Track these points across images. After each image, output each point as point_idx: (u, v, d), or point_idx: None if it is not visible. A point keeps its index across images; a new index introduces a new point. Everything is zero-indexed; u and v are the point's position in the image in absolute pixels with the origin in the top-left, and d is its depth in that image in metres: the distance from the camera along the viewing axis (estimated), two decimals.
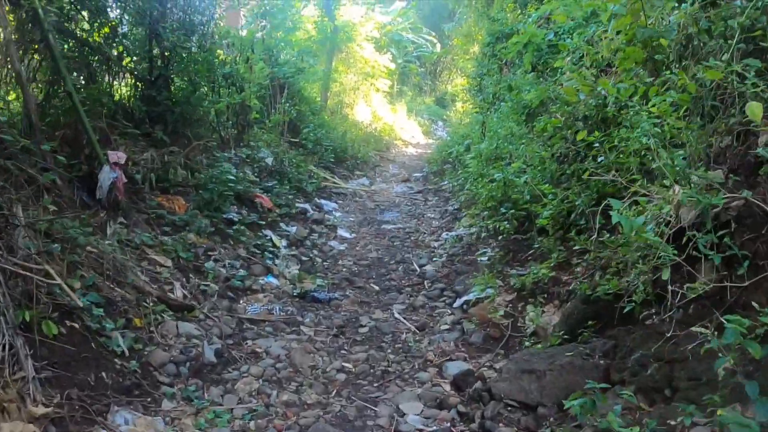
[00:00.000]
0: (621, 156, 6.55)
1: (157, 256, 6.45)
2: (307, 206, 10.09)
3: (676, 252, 3.88)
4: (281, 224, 8.98)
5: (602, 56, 7.90)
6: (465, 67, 21.90)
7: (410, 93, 31.44)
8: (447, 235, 9.39)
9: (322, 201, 11.16)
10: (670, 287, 3.99)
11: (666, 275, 3.94)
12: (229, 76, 10.72)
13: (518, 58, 11.41)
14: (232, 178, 8.56)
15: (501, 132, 11.13)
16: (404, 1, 34.12)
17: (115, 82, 9.24)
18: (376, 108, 22.26)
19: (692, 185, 4.18)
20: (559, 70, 9.77)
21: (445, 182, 13.11)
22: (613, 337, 4.85)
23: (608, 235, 6.51)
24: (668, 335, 4.32)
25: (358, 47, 21.87)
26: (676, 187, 3.97)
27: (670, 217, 4.03)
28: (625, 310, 4.69)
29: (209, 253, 7.06)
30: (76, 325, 4.81)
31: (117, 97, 9.16)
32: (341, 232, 9.60)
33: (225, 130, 10.59)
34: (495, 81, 12.98)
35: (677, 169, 4.32)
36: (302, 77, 14.99)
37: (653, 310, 4.77)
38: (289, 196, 9.99)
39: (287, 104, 13.96)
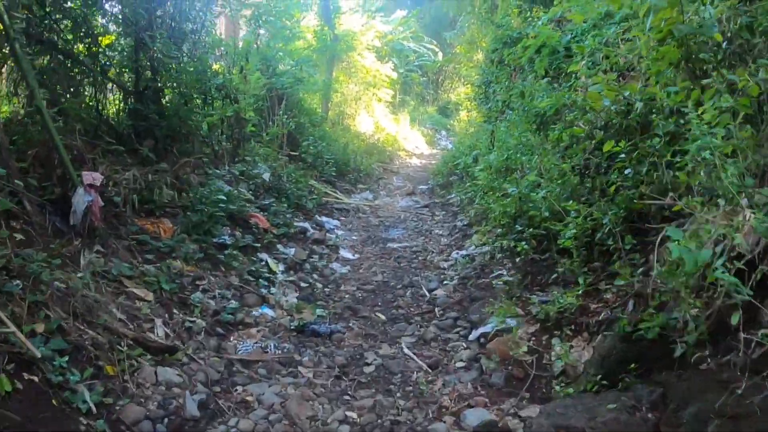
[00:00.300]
0: (651, 169, 5.87)
1: (137, 288, 5.75)
2: (306, 225, 9.39)
3: (751, 293, 3.17)
4: (279, 246, 8.28)
5: (622, 59, 7.22)
6: (469, 75, 21.27)
7: (413, 102, 30.81)
8: (457, 254, 8.68)
9: (323, 218, 10.46)
10: (742, 335, 3.27)
11: (736, 320, 3.23)
12: (222, 87, 10.05)
13: (528, 64, 10.73)
14: (223, 197, 7.88)
15: (511, 142, 10.45)
16: (405, 9, 33.57)
17: (101, 95, 8.61)
18: (378, 118, 21.61)
19: (758, 207, 3.47)
20: (574, 76, 9.10)
21: (453, 195, 12.40)
22: (661, 383, 4.12)
23: (639, 257, 5.83)
24: (731, 385, 3.62)
25: (359, 56, 21.25)
26: (747, 212, 3.26)
27: (737, 246, 3.32)
28: (676, 354, 3.98)
29: (197, 282, 6.36)
30: (36, 378, 4.12)
31: (104, 112, 8.54)
32: (344, 252, 8.89)
33: (219, 144, 9.91)
34: (504, 88, 12.27)
35: (738, 186, 3.62)
36: (301, 88, 14.33)
37: (707, 352, 4.07)
38: (287, 215, 9.29)
39: (285, 116, 13.31)
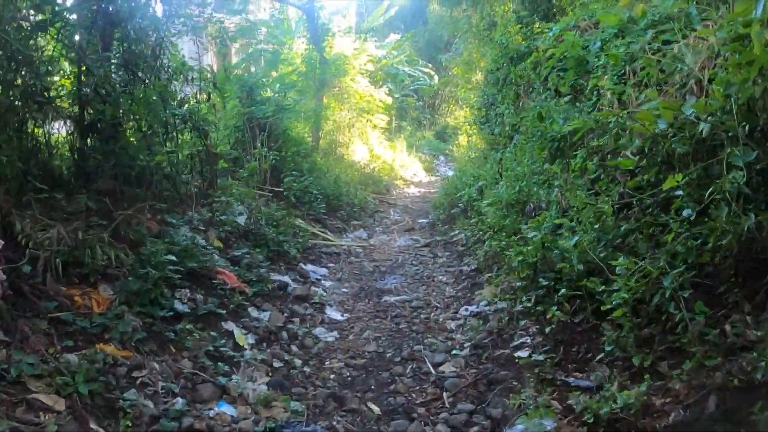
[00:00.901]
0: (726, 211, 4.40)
1: (44, 394, 4.21)
2: (287, 278, 7.85)
3: None
4: (250, 309, 6.74)
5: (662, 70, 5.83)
6: (467, 97, 19.91)
7: (409, 128, 29.45)
8: (467, 310, 7.14)
9: (309, 267, 8.93)
10: None
11: None
12: (188, 118, 8.59)
13: (541, 82, 9.29)
14: (181, 253, 6.37)
15: (522, 171, 9.02)
16: (398, 33, 32.41)
17: (40, 131, 7.16)
18: (373, 146, 20.18)
19: None
20: (596, 92, 7.67)
21: (457, 232, 10.89)
22: None
23: (714, 332, 4.33)
24: None
25: (352, 81, 19.88)
26: None
27: None
28: None
29: (134, 373, 4.82)
30: None
31: (42, 151, 7.09)
32: (331, 312, 7.35)
33: (184, 185, 8.43)
34: (511, 110, 10.83)
35: None
36: (287, 116, 12.89)
37: None
38: (264, 268, 7.77)
39: (268, 148, 11.87)
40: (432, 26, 36.80)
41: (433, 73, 32.17)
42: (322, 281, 8.53)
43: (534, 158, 9.16)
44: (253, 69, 23.69)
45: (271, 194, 11.40)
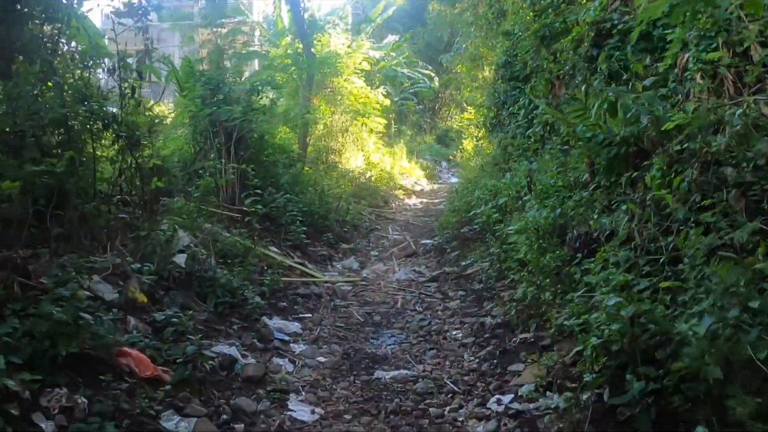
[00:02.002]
0: None
1: None
2: (234, 350, 5.22)
3: None
4: (166, 415, 4.15)
5: None
6: (472, 97, 17.32)
7: (409, 132, 26.86)
8: (499, 403, 4.55)
9: (275, 321, 6.32)
10: None
11: None
12: (109, 120, 6.02)
13: (586, 62, 6.68)
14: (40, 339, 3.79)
15: (562, 184, 6.50)
16: (396, 35, 29.86)
17: None
18: (370, 152, 17.58)
19: None
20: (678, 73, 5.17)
21: (470, 262, 8.29)
22: None
23: None
24: None
25: (346, 82, 17.32)
26: None
27: None
28: None
29: None
30: None
31: None
32: (296, 406, 4.72)
33: (100, 217, 5.84)
34: (543, 105, 8.25)
35: None
36: (261, 119, 10.28)
37: None
38: (201, 334, 5.15)
39: (235, 158, 9.29)
40: (431, 27, 34.21)
41: (433, 75, 29.63)
42: (291, 344, 5.91)
43: (580, 171, 6.60)
44: (247, 74, 21.22)
45: (240, 216, 8.82)
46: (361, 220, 12.11)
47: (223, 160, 9.28)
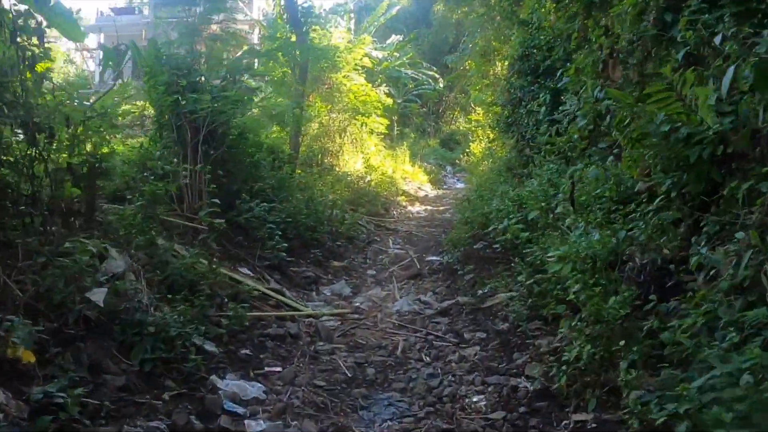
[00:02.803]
0: None
1: None
2: None
3: None
4: None
5: None
6: (481, 96, 15.47)
7: (413, 135, 25.00)
8: None
9: (229, 382, 4.42)
10: None
11: None
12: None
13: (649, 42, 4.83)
14: None
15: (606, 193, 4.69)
16: (400, 35, 28.08)
17: None
18: (370, 155, 15.71)
19: None
20: None
21: (488, 291, 6.41)
22: None
23: None
24: None
25: (345, 78, 15.47)
26: None
27: None
28: None
29: None
30: None
31: None
32: None
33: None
34: (590, 97, 6.37)
35: None
36: (239, 111, 8.44)
37: None
38: (104, 419, 3.30)
39: (203, 157, 7.45)
40: (436, 28, 32.39)
41: (437, 76, 27.85)
42: (247, 420, 4.03)
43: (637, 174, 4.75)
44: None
45: (208, 230, 6.97)
46: (357, 231, 10.24)
47: (190, 161, 7.45)
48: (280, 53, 12.53)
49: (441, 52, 30.00)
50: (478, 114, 18.58)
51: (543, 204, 6.38)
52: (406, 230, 11.58)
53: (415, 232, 11.41)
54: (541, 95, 10.46)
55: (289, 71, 12.88)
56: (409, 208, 14.46)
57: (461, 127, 24.77)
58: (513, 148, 11.68)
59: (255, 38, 20.56)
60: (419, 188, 17.95)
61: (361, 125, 15.41)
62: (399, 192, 15.52)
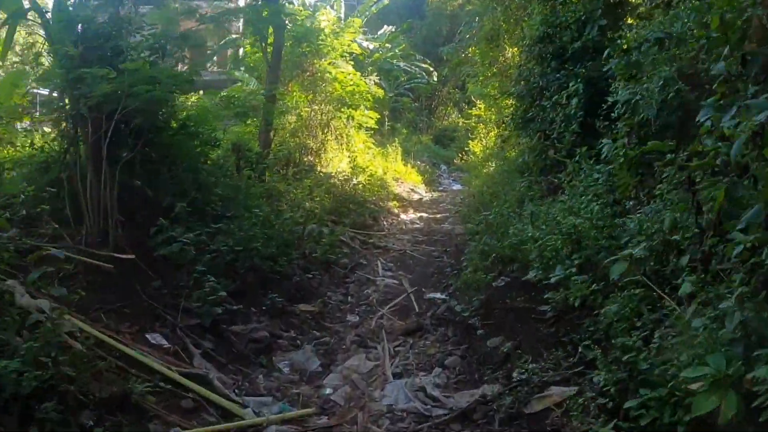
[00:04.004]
0: None
1: None
2: None
3: None
4: None
5: None
6: (487, 86, 12.92)
7: (405, 131, 22.42)
8: None
9: None
10: None
11: None
12: None
13: None
14: None
15: None
16: (392, 26, 25.44)
17: None
18: (357, 153, 13.10)
19: None
20: None
21: (534, 377, 3.87)
22: None
23: None
24: None
25: (330, 66, 12.87)
26: None
27: None
28: None
29: None
30: None
31: None
32: None
33: None
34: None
35: None
36: (171, 94, 5.84)
37: None
38: None
39: (108, 160, 4.87)
40: (430, 20, 29.79)
41: (431, 69, 25.26)
42: None
43: None
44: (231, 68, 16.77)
45: (112, 265, 4.43)
46: (337, 254, 7.69)
47: (91, 166, 4.86)
48: (249, 28, 9.90)
49: (435, 44, 27.39)
50: (480, 108, 16.02)
51: (609, 242, 3.88)
52: (399, 248, 9.03)
53: (410, 251, 8.87)
54: (570, 84, 7.94)
55: (259, 52, 10.26)
56: (402, 216, 11.91)
57: (461, 123, 22.15)
58: (530, 149, 9.17)
59: (240, 28, 17.89)
60: (412, 190, 15.40)
61: (348, 119, 12.80)
62: (390, 196, 12.95)
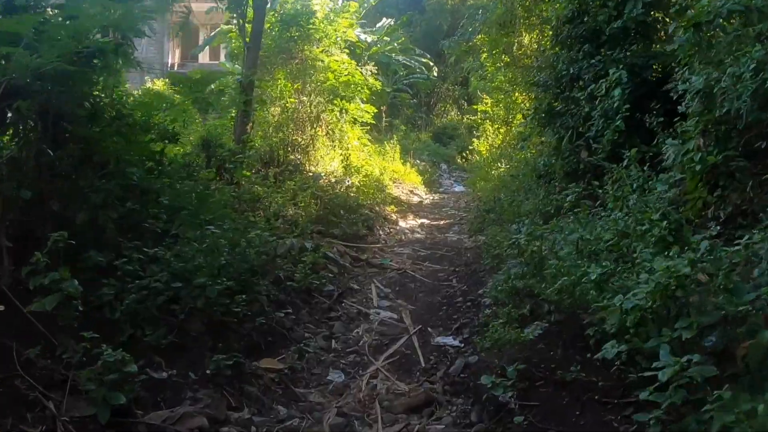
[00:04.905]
0: None
1: None
2: None
3: None
4: None
5: None
6: (498, 79, 11.20)
7: (403, 127, 20.70)
8: None
9: None
10: None
11: None
12: None
13: None
14: None
15: None
16: (391, 18, 23.69)
17: None
18: (350, 151, 11.35)
19: None
20: None
21: None
22: None
23: None
24: None
25: (322, 54, 11.13)
26: None
27: None
28: None
29: None
30: None
31: None
32: None
33: None
34: None
35: None
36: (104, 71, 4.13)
37: None
38: None
39: None
40: (430, 14, 28.00)
41: (431, 64, 23.52)
42: None
43: None
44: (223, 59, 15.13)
45: None
46: (321, 278, 5.96)
47: None
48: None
49: (434, 40, 25.66)
50: (486, 104, 14.28)
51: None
52: (398, 266, 7.32)
53: (411, 270, 7.16)
54: (611, 72, 6.25)
55: (234, 32, 8.52)
56: (401, 223, 10.19)
57: (464, 119, 20.40)
58: (554, 149, 7.47)
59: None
60: (412, 192, 13.69)
61: (341, 112, 11.05)
62: (387, 199, 11.22)
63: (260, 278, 5.01)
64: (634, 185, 5.10)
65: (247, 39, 8.11)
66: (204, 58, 23.29)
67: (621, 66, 6.19)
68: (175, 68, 23.36)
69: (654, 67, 6.50)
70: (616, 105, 6.01)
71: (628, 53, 6.41)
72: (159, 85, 12.20)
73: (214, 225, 5.18)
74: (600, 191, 5.56)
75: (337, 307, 5.64)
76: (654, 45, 6.81)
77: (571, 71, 7.00)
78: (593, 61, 6.76)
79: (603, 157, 6.18)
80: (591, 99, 6.52)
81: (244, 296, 4.39)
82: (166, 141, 6.01)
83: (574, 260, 3.98)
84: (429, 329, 5.16)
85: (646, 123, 5.62)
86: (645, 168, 5.22)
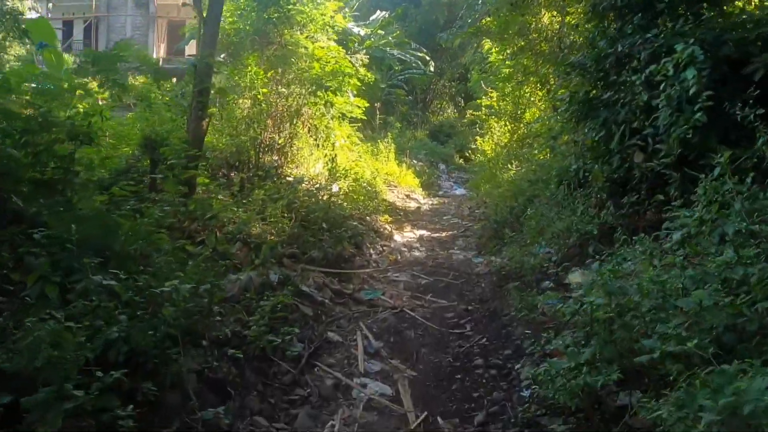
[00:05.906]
0: None
1: None
2: None
3: None
4: None
5: None
6: (507, 67, 9.37)
7: (398, 125, 18.88)
8: None
9: None
10: None
11: None
12: None
13: None
14: None
15: None
16: (386, 10, 21.92)
17: None
18: (336, 151, 9.48)
19: None
20: None
21: None
22: None
23: None
24: None
25: (306, 40, 9.28)
26: None
27: None
28: None
29: None
30: None
31: None
32: None
33: None
34: None
35: None
36: None
37: None
38: None
39: None
40: (426, 8, 26.20)
41: (428, 58, 21.73)
42: None
43: None
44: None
45: None
46: (285, 331, 4.14)
47: None
48: None
49: (430, 35, 23.89)
50: (491, 98, 12.42)
51: None
52: (393, 303, 5.48)
53: (408, 309, 5.32)
54: (677, 48, 4.41)
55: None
56: (396, 237, 8.34)
57: (469, 114, 18.56)
58: (592, 150, 5.65)
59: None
60: (408, 196, 11.85)
61: (326, 105, 9.19)
62: (381, 207, 9.38)
63: (186, 348, 3.18)
64: (737, 205, 3.33)
65: (204, 13, 6.25)
66: (191, 50, 21.61)
67: (692, 41, 4.38)
68: (161, 63, 21.60)
69: (730, 43, 4.71)
70: (691, 91, 4.20)
71: (696, 24, 4.62)
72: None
73: (127, 265, 3.38)
74: (680, 211, 3.75)
75: (305, 379, 3.80)
76: (728, 16, 5.04)
77: (619, 49, 5.18)
78: (649, 35, 4.95)
79: (668, 162, 4.41)
80: (649, 86, 4.71)
81: (149, 387, 2.56)
82: (79, 142, 4.27)
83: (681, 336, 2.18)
84: (438, 419, 3.35)
85: (736, 115, 3.80)
86: (750, 179, 3.47)
